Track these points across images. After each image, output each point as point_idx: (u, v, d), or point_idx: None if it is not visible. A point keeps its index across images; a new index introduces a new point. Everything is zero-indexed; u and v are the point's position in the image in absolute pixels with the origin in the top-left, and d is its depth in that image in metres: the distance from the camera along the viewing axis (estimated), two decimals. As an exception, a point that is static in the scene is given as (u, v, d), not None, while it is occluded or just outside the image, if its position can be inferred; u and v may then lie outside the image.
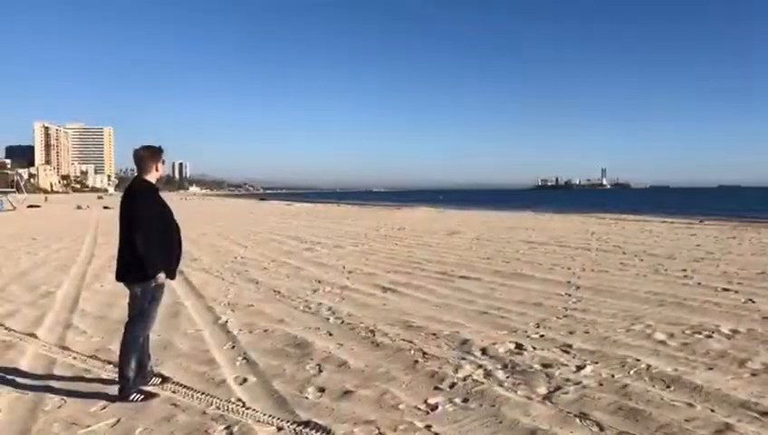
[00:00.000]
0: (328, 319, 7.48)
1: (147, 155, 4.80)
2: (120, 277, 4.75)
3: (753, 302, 8.18)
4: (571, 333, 6.63)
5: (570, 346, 6.06)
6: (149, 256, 4.53)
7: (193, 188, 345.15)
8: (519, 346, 6.09)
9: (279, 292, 9.41)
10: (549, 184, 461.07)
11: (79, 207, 57.93)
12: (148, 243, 4.51)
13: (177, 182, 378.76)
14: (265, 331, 6.91)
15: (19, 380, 5.24)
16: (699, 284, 9.71)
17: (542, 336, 6.48)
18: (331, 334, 6.69)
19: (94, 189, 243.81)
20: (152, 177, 4.84)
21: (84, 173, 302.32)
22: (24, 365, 5.68)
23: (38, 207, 61.91)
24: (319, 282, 10.32)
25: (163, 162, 4.91)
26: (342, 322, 7.32)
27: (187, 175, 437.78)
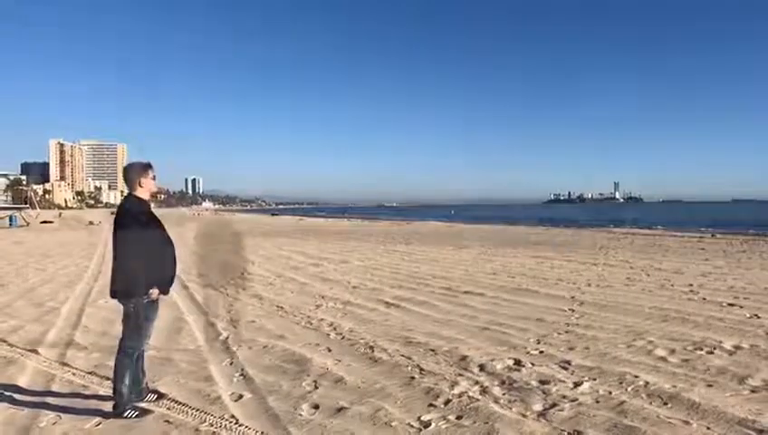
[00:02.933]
0: (328, 335, 7.48)
1: (133, 171, 4.79)
2: (113, 294, 4.75)
3: (759, 317, 8.10)
4: (571, 349, 6.59)
5: (568, 362, 6.02)
6: (138, 272, 4.55)
7: (206, 204, 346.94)
8: (518, 362, 6.06)
9: (282, 307, 9.41)
10: (561, 198, 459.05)
11: (91, 223, 58.29)
12: (137, 259, 4.53)
13: (191, 197, 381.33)
14: (265, 347, 6.91)
15: (17, 396, 5.26)
16: (705, 299, 9.63)
17: (541, 352, 6.45)
18: (330, 350, 6.68)
19: (108, 205, 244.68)
20: (142, 193, 4.82)
21: (98, 189, 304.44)
22: (22, 381, 5.71)
23: (51, 222, 62.36)
24: (323, 297, 10.33)
25: (153, 178, 4.87)
26: (343, 337, 7.31)
27: (201, 190, 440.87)
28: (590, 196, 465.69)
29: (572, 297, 9.99)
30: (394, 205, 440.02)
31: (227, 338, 7.39)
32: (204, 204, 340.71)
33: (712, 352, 6.32)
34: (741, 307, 8.85)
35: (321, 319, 8.47)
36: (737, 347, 6.51)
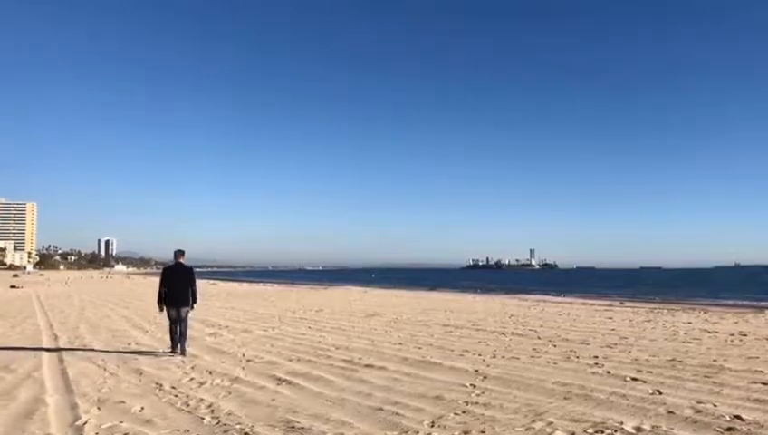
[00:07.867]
0: (203, 419, 6.68)
1: (183, 253, 11.62)
2: (187, 304, 11.47)
3: (661, 393, 7.83)
4: (465, 433, 6.06)
5: (460, 451, 5.48)
6: (195, 296, 11.69)
7: (119, 267, 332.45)
8: (405, 452, 5.47)
9: (161, 385, 8.53)
10: (480, 264, 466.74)
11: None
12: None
13: (103, 260, 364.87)
14: (125, 435, 6.08)
15: None
16: (609, 372, 9.37)
17: (433, 438, 5.89)
18: (198, 439, 5.92)
19: (12, 267, 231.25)
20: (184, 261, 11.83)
21: (2, 250, 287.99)
22: None
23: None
24: (210, 373, 9.48)
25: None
26: (218, 422, 6.54)
27: (114, 252, 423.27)
28: (507, 262, 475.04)
29: (476, 371, 9.54)
30: (320, 268, 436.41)
31: (85, 424, 6.49)
32: (117, 267, 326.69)
33: (612, 436, 5.92)
34: (644, 382, 8.60)
35: (201, 399, 7.66)
36: (638, 429, 6.14)
